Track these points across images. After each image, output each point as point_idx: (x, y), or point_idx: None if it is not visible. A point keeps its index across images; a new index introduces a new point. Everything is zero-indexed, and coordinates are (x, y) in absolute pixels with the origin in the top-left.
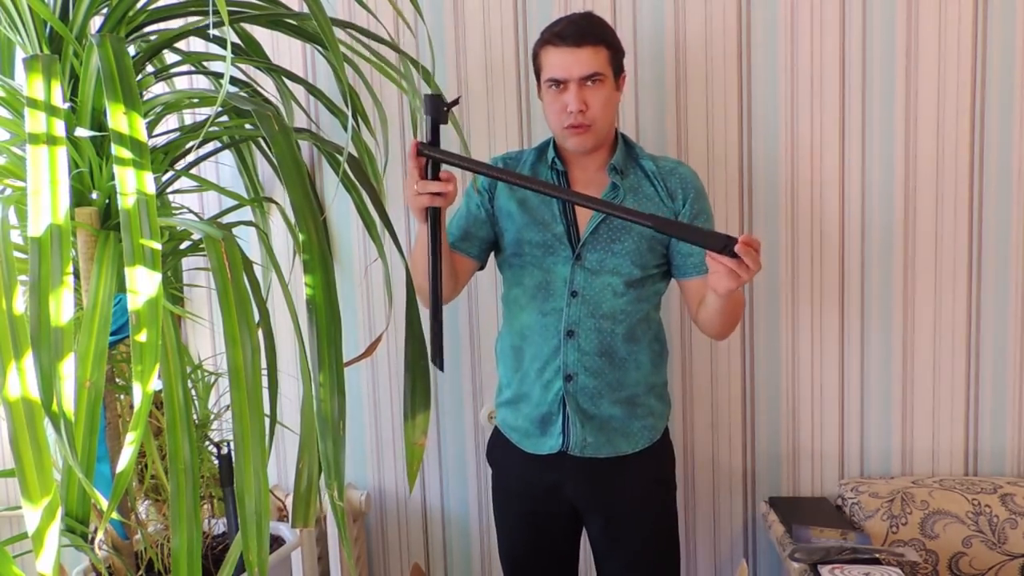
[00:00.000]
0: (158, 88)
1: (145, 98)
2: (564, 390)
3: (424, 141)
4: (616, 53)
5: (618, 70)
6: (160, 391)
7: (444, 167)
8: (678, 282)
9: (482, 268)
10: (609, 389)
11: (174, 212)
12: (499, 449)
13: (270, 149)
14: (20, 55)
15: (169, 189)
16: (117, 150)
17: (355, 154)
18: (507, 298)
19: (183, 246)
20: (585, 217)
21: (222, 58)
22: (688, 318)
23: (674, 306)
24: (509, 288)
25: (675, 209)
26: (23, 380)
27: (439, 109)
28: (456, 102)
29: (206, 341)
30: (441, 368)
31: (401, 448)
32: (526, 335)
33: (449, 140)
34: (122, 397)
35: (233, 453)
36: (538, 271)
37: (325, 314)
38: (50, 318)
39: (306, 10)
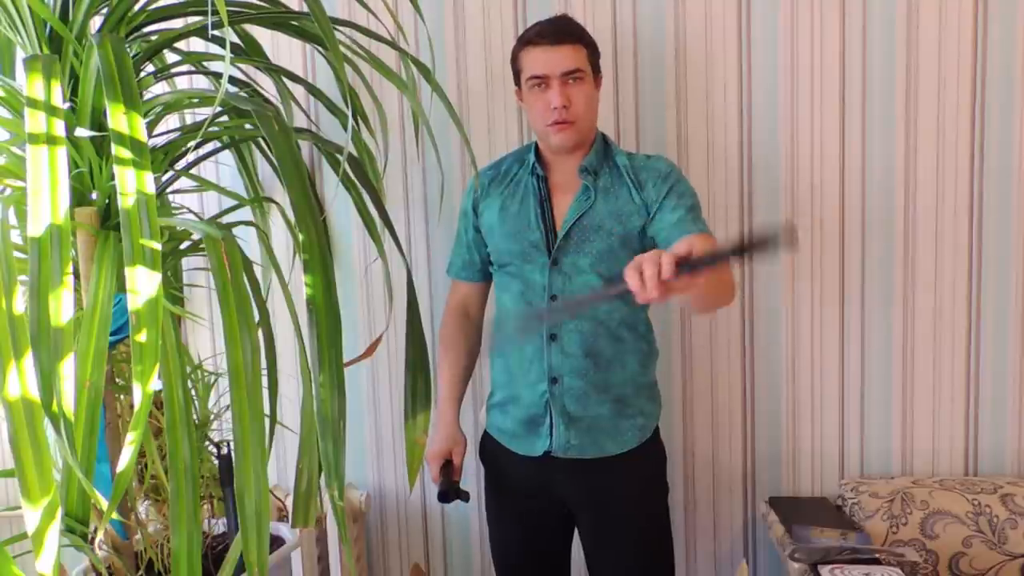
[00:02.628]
0: (158, 88)
1: (145, 98)
2: (549, 392)
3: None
4: (594, 52)
5: (596, 69)
6: (160, 391)
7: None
8: None
9: (490, 280)
10: (596, 390)
11: (174, 212)
12: (489, 450)
13: (270, 149)
14: (20, 55)
15: (169, 189)
16: (117, 150)
17: (355, 154)
18: (497, 303)
19: (183, 246)
20: (561, 222)
21: (222, 58)
22: (688, 318)
23: (674, 306)
24: (498, 295)
25: (645, 199)
26: (23, 380)
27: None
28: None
29: (206, 341)
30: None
31: (401, 448)
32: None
33: (450, 140)
34: (122, 397)
35: (233, 453)
36: (519, 278)
37: (325, 314)
38: (50, 318)
39: (306, 10)
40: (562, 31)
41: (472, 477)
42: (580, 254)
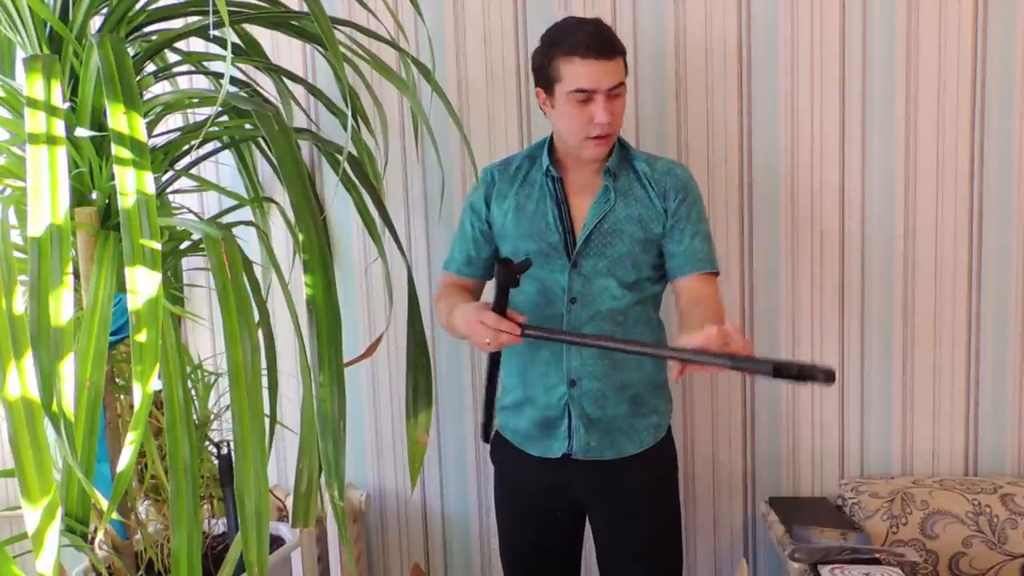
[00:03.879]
0: (158, 88)
1: (145, 98)
2: (568, 395)
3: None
4: (626, 59)
5: (627, 74)
6: (160, 391)
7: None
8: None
9: (490, 279)
10: (614, 391)
11: (174, 212)
12: (500, 450)
13: (270, 149)
14: (20, 55)
15: (169, 189)
16: (117, 150)
17: (355, 154)
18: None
19: (183, 246)
20: (580, 224)
21: (222, 58)
22: None
23: (674, 307)
24: (512, 296)
25: (666, 208)
26: (23, 380)
27: (512, 275)
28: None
29: (206, 341)
30: (487, 441)
31: (401, 448)
32: (527, 342)
33: (449, 139)
34: (122, 397)
35: (233, 453)
36: (536, 279)
37: (325, 314)
38: (50, 318)
39: (306, 10)
40: (608, 44)
41: (473, 478)
42: (601, 257)
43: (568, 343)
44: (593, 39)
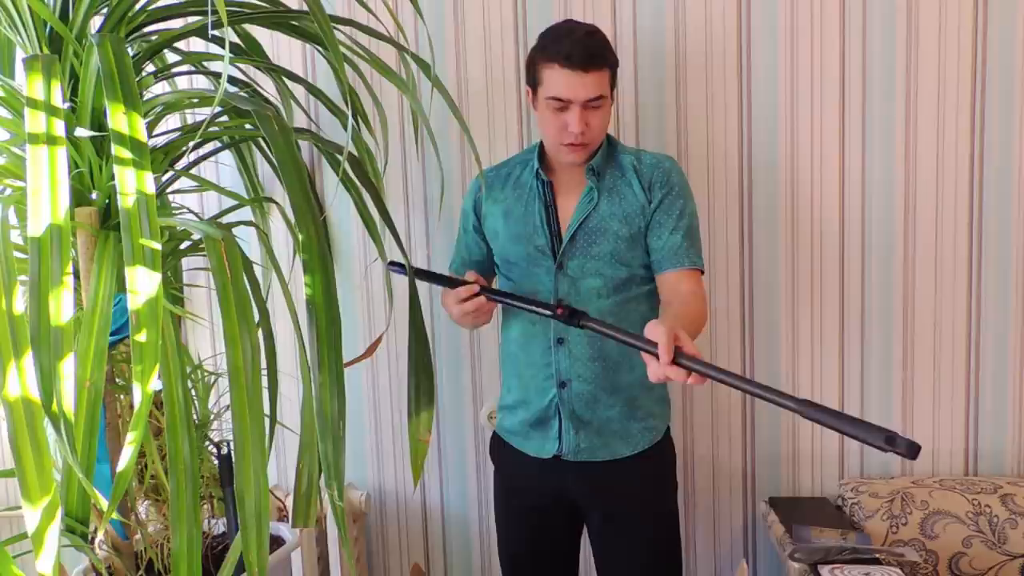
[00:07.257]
0: (158, 88)
1: (145, 98)
2: (558, 396)
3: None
4: (615, 71)
5: (614, 85)
6: (160, 391)
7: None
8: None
9: (491, 277)
10: (605, 393)
11: (174, 212)
12: (499, 449)
13: (270, 149)
14: (20, 55)
15: (169, 189)
16: (117, 150)
17: (355, 154)
18: (503, 307)
19: (183, 246)
20: (566, 225)
21: (222, 58)
22: None
23: None
24: None
25: (650, 200)
26: (23, 380)
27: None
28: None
29: (206, 341)
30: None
31: (401, 448)
32: (520, 343)
33: (449, 139)
34: (122, 397)
35: (233, 453)
36: (525, 283)
37: (325, 314)
38: (50, 318)
39: (306, 9)
40: (591, 56)
41: (473, 478)
42: (587, 257)
43: (528, 310)
44: (577, 50)
